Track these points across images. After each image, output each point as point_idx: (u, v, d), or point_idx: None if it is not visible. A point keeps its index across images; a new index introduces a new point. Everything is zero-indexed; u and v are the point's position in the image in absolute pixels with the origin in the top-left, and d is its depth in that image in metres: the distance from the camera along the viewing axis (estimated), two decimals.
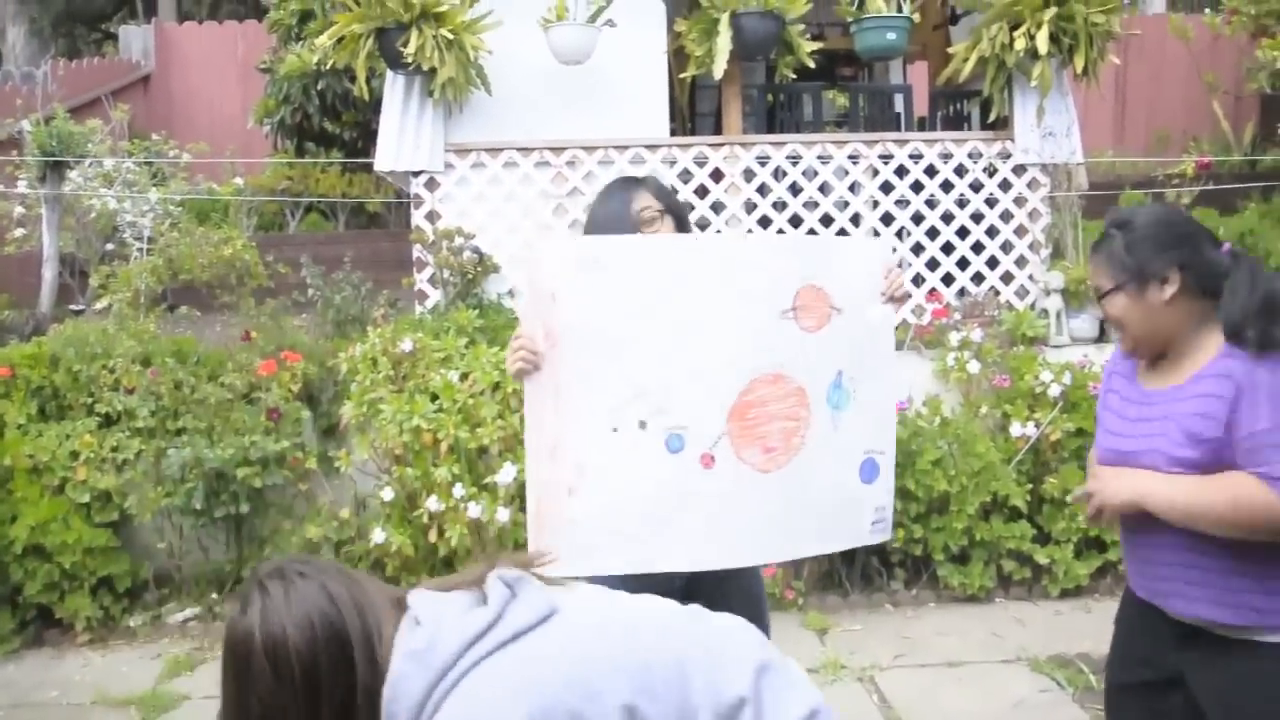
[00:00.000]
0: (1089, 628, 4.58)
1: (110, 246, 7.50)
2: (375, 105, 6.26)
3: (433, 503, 4.52)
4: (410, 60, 5.44)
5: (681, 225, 2.29)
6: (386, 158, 5.82)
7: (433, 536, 4.58)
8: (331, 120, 9.07)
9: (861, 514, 2.20)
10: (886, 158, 6.12)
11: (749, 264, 2.06)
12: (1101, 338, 5.78)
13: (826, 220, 6.09)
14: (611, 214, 2.23)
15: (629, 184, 2.28)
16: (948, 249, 6.12)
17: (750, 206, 6.11)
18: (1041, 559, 4.90)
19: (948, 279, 6.12)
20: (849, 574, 5.06)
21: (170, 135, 9.52)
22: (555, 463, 2.00)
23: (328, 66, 6.46)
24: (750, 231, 5.91)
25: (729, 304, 2.03)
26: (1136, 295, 1.98)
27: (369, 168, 7.80)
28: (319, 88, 8.92)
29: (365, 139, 9.06)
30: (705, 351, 2.02)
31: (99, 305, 6.40)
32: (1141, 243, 1.97)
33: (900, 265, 2.15)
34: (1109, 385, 2.20)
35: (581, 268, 1.99)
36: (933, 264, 6.12)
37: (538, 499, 2.02)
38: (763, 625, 2.31)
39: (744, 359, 2.04)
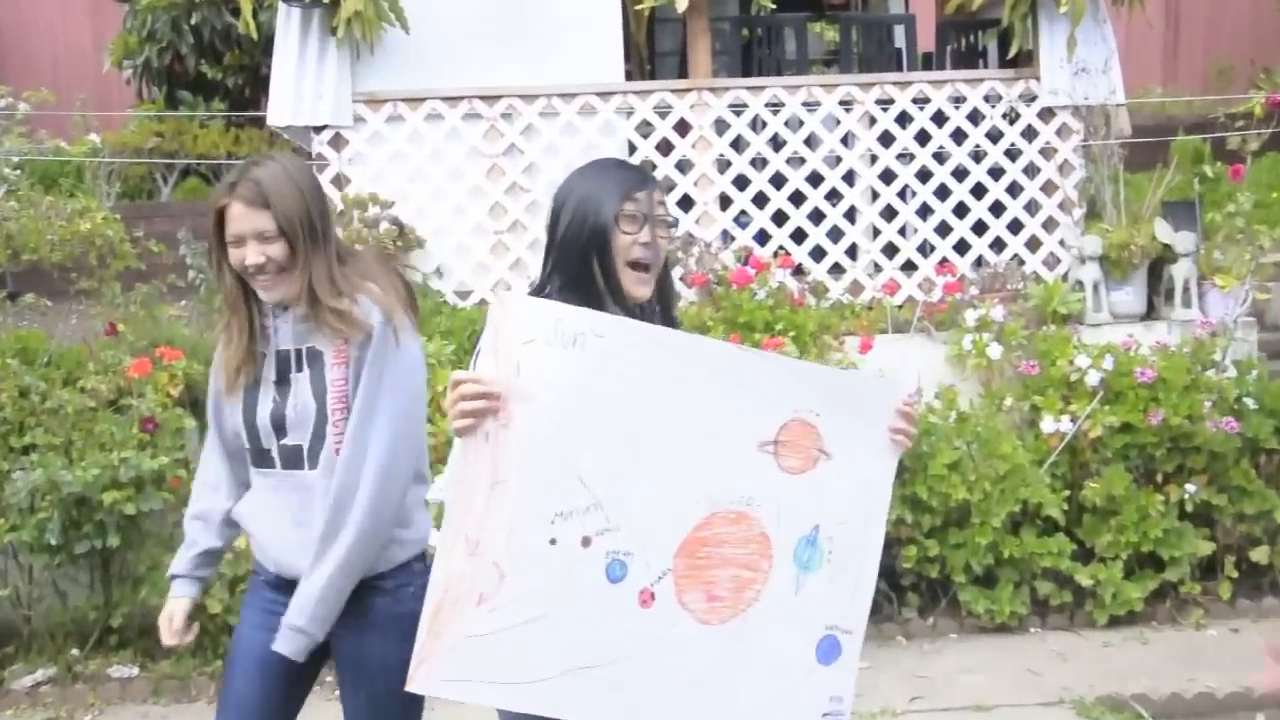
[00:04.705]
0: (1146, 662, 4.59)
1: None
2: (266, 45, 6.17)
3: None
4: None
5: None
6: (281, 110, 5.75)
7: None
8: (210, 63, 8.90)
9: (813, 700, 2.23)
10: (885, 103, 6.10)
11: (740, 380, 2.10)
12: (1150, 314, 5.81)
13: (815, 179, 6.07)
14: (626, 185, 2.22)
15: (647, 175, 2.30)
16: (961, 211, 6.12)
17: (723, 164, 6.07)
18: (1084, 580, 4.90)
19: (961, 247, 6.11)
20: None
21: (1, 80, 9.28)
22: (473, 557, 2.00)
23: None
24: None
25: (708, 420, 2.08)
26: None
27: (260, 122, 7.67)
28: (193, 22, 8.74)
29: (254, 87, 8.94)
30: (670, 470, 2.07)
31: None
32: None
33: (916, 398, 2.18)
34: None
35: (558, 342, 1.99)
36: (943, 229, 6.11)
37: (440, 595, 2.01)
38: None
39: (708, 487, 2.09)
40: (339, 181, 5.82)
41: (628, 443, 2.04)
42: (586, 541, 2.02)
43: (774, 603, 2.14)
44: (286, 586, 2.37)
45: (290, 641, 2.31)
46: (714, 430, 2.09)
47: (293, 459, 2.36)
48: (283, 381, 2.36)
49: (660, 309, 2.36)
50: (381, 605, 2.36)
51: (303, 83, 5.71)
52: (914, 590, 5.09)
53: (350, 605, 2.32)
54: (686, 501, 2.07)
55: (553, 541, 2.00)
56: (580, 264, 2.22)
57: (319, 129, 5.83)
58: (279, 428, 2.35)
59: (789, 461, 2.13)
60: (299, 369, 2.36)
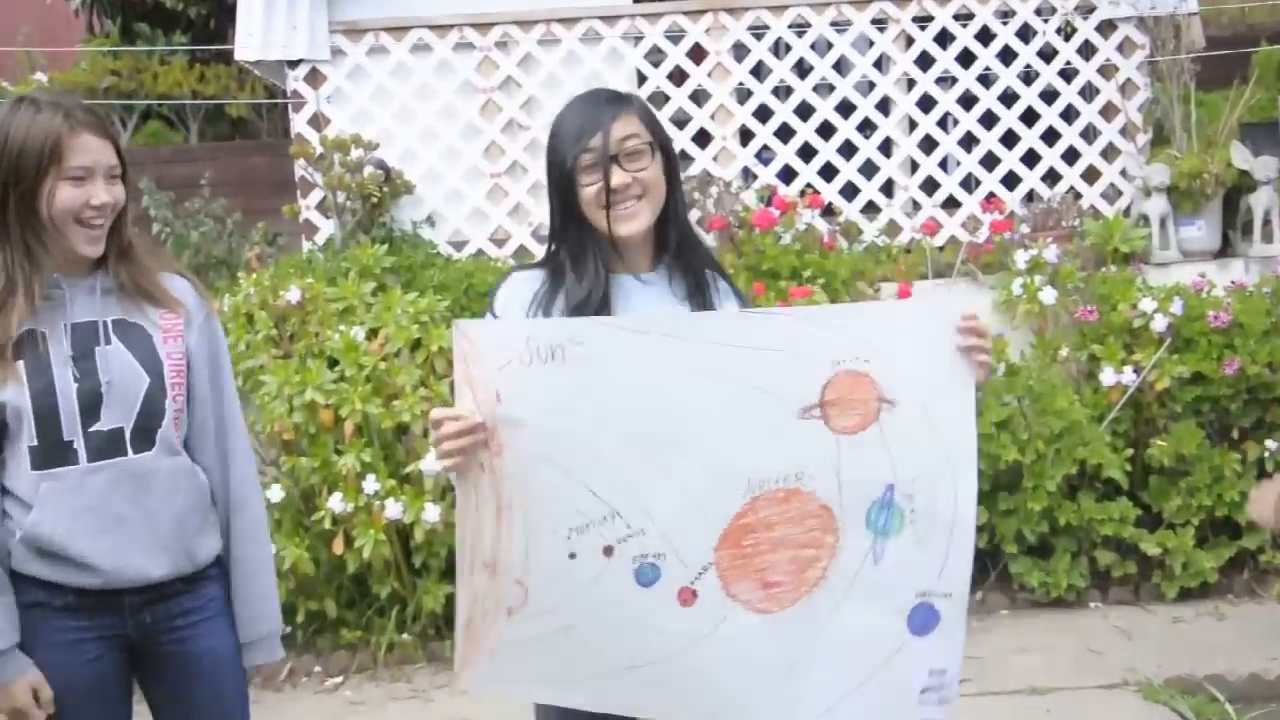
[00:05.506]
0: (1221, 639, 4.57)
1: None
2: None
3: (336, 501, 4.50)
4: None
5: (670, 165, 2.29)
6: (250, 43, 5.74)
7: (338, 547, 4.55)
8: None
9: (908, 675, 2.21)
10: (924, 20, 6.06)
11: (763, 346, 2.09)
12: (1225, 250, 5.74)
13: (846, 108, 6.01)
14: (578, 132, 2.21)
15: (614, 100, 2.28)
16: (1009, 140, 6.07)
17: (743, 94, 6.03)
18: (1151, 549, 4.88)
19: (1010, 180, 6.06)
20: None
21: None
22: (494, 577, 2.11)
23: None
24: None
25: (732, 400, 2.09)
26: None
27: (227, 57, 7.62)
28: None
29: (219, 17, 8.86)
30: (696, 462, 2.10)
31: None
32: None
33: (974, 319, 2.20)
34: None
35: (535, 360, 2.04)
36: (990, 161, 6.05)
37: (469, 610, 2.15)
38: None
39: (745, 471, 2.11)
40: (317, 122, 5.79)
41: (638, 444, 2.08)
42: (609, 551, 2.08)
43: (847, 577, 2.15)
44: (90, 606, 2.29)
45: (275, 644, 2.48)
46: (742, 408, 2.09)
47: (110, 446, 2.26)
48: (85, 357, 2.25)
49: (681, 250, 2.32)
50: (215, 594, 2.43)
51: (274, 11, 5.69)
52: None
53: (185, 600, 2.38)
54: (721, 491, 2.10)
55: (572, 556, 2.08)
56: (567, 209, 2.25)
57: (294, 64, 5.80)
58: (91, 409, 2.24)
59: (844, 421, 2.11)
60: (107, 341, 2.27)
